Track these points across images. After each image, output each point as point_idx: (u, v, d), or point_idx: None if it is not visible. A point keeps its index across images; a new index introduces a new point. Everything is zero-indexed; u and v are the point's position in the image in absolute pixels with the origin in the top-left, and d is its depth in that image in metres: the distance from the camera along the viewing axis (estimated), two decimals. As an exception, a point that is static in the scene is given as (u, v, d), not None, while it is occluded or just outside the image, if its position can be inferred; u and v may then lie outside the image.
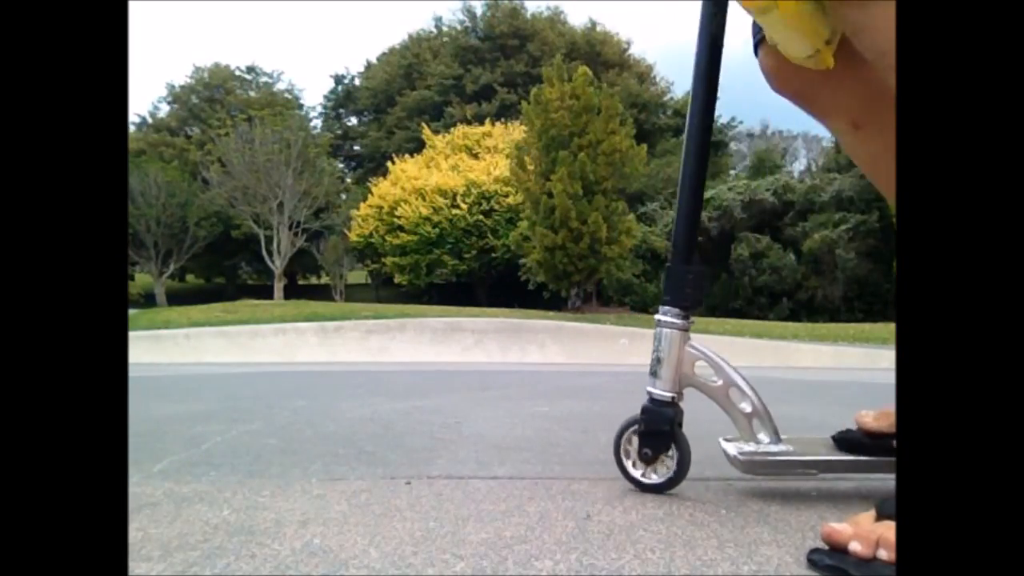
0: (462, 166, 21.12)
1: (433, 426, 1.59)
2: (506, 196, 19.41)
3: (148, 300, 22.99)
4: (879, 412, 0.93)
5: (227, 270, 30.86)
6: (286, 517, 0.82)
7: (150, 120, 33.27)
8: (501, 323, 10.85)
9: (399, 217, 20.39)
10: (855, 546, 0.65)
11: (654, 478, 0.94)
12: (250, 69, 33.25)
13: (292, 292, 24.63)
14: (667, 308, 0.92)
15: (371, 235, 21.26)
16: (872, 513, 0.69)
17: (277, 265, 21.67)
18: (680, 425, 0.93)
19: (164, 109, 33.56)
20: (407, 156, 23.64)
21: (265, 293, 22.25)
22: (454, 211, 19.99)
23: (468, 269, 20.48)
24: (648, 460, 0.94)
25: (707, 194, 19.15)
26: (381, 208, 21.13)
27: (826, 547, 0.68)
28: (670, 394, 0.92)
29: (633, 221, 13.67)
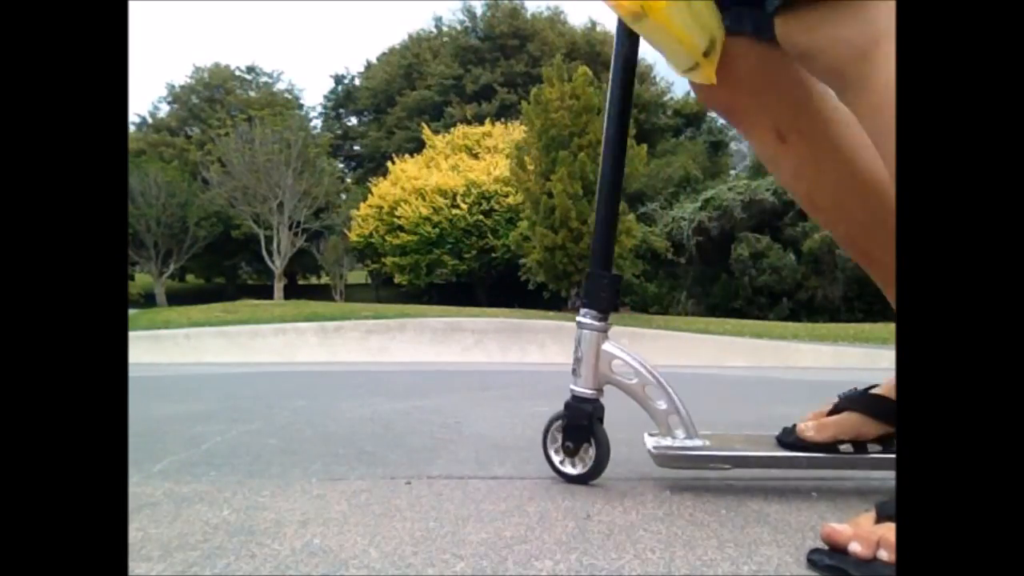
0: (462, 166, 21.13)
1: (433, 426, 1.59)
2: (506, 196, 19.41)
3: (148, 300, 22.99)
4: (818, 423, 0.95)
5: (227, 270, 30.87)
6: (286, 517, 0.83)
7: (150, 120, 33.28)
8: (501, 323, 10.85)
9: (399, 217, 20.39)
10: (855, 547, 0.65)
11: (577, 469, 1.00)
12: (250, 69, 33.27)
13: (292, 292, 24.64)
14: (586, 311, 0.98)
15: (371, 235, 21.27)
16: (872, 514, 0.69)
17: (277, 265, 21.67)
18: (600, 420, 0.99)
19: (164, 109, 33.59)
20: (407, 156, 23.64)
21: (265, 293, 22.26)
22: (454, 211, 19.99)
23: (468, 269, 20.49)
24: (570, 452, 1.00)
25: (707, 194, 19.18)
26: (381, 208, 21.14)
27: (826, 547, 0.68)
28: (590, 391, 0.98)
29: (633, 221, 13.68)
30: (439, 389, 2.85)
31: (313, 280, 31.68)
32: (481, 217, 19.90)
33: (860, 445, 0.92)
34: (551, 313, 12.66)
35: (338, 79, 36.12)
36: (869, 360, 8.71)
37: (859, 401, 0.94)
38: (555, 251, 12.48)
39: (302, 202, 21.76)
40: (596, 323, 0.97)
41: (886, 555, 0.63)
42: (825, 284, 16.66)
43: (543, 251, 12.72)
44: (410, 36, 33.92)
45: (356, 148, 34.29)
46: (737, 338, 10.56)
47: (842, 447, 0.92)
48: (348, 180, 31.68)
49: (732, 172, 24.69)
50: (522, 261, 15.01)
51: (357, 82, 35.52)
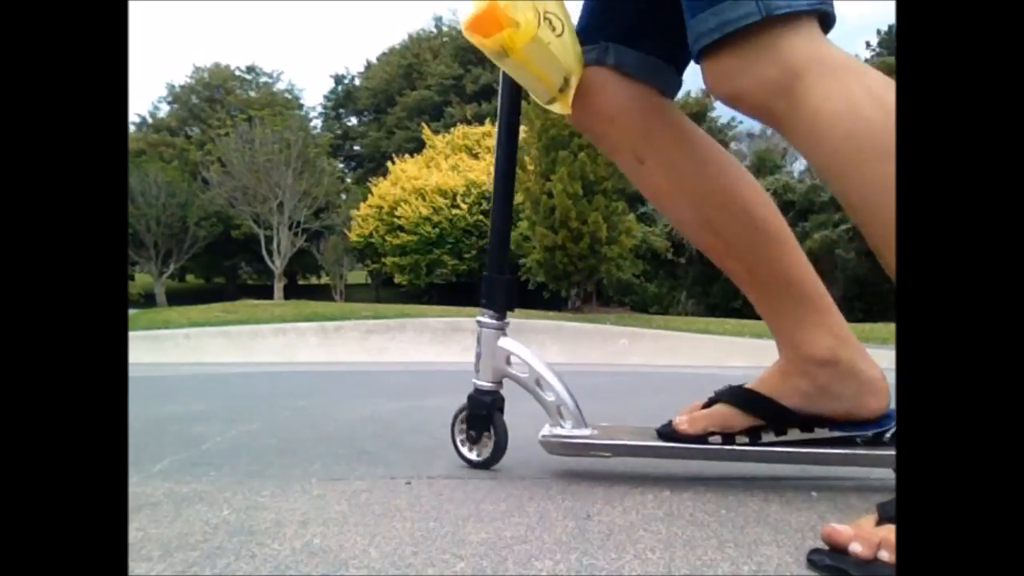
0: (462, 166, 21.12)
1: (433, 426, 1.59)
2: (506, 196, 19.39)
3: (148, 300, 22.99)
4: (691, 417, 1.00)
5: (227, 270, 30.86)
6: (286, 517, 0.82)
7: (150, 120, 33.28)
8: (501, 323, 10.84)
9: (399, 217, 20.38)
10: (856, 547, 0.65)
11: (479, 455, 1.10)
12: (250, 69, 33.26)
13: (292, 292, 24.64)
14: (484, 311, 1.07)
15: (371, 235, 21.26)
16: (874, 516, 0.69)
17: (277, 265, 21.67)
18: (501, 411, 1.08)
19: (164, 109, 33.59)
20: (407, 156, 23.63)
21: (265, 293, 22.25)
22: (454, 211, 19.98)
23: (468, 269, 20.47)
24: (473, 440, 1.10)
25: (707, 194, 19.24)
26: (381, 208, 21.13)
27: (826, 548, 0.68)
28: (489, 384, 1.07)
29: (633, 221, 13.68)
30: (439, 389, 2.85)
31: (313, 280, 31.68)
32: (481, 217, 19.89)
33: (729, 437, 0.96)
34: (551, 313, 12.66)
35: (338, 79, 36.12)
36: (869, 360, 8.68)
37: (729, 394, 0.99)
38: (555, 251, 12.48)
39: (302, 202, 21.75)
40: (493, 322, 1.06)
41: (887, 556, 0.63)
42: (825, 284, 16.67)
43: (543, 251, 12.71)
44: (410, 36, 33.92)
45: (356, 148, 34.28)
46: (737, 338, 10.55)
47: (711, 439, 0.97)
48: (348, 180, 31.67)
49: (732, 172, 24.68)
50: (522, 261, 15.01)
51: (357, 82, 35.50)
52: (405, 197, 20.49)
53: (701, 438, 0.97)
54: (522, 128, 16.58)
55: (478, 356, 1.07)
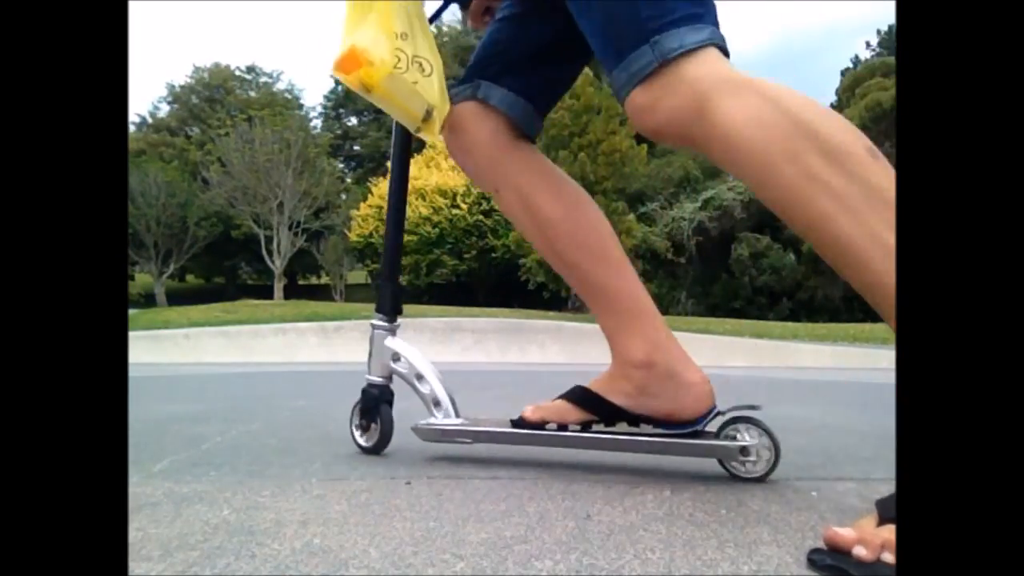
0: (462, 166, 21.11)
1: (433, 426, 1.59)
2: (506, 196, 19.40)
3: (148, 300, 22.99)
4: (535, 407, 1.12)
5: (227, 270, 30.86)
6: (286, 517, 0.83)
7: (150, 120, 33.27)
8: (501, 323, 10.85)
9: (399, 217, 20.35)
10: (860, 551, 0.64)
11: (369, 442, 1.23)
12: (250, 69, 33.25)
13: (292, 292, 24.64)
14: (377, 315, 1.22)
15: (371, 235, 21.25)
16: (875, 516, 0.69)
17: (277, 265, 21.67)
18: (389, 404, 1.21)
19: (164, 109, 33.58)
20: (407, 156, 23.60)
21: (265, 293, 22.26)
22: (454, 211, 19.98)
23: (468, 269, 20.48)
24: (364, 428, 1.24)
25: (707, 194, 19.19)
26: (381, 208, 21.11)
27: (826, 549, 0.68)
28: (378, 379, 1.21)
29: (633, 221, 13.68)
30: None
31: (313, 280, 31.67)
32: (481, 217, 19.90)
33: (563, 428, 1.09)
34: (551, 313, 12.66)
35: (338, 79, 35.96)
36: (869, 360, 8.71)
37: (570, 393, 1.11)
38: (555, 251, 12.48)
39: (302, 202, 21.75)
40: (383, 324, 1.21)
41: (890, 558, 0.63)
42: (825, 284, 16.66)
43: (543, 251, 12.72)
44: (410, 36, 33.89)
45: (356, 148, 34.27)
46: (737, 338, 10.56)
47: (547, 426, 1.09)
48: (348, 180, 31.66)
49: (732, 172, 24.68)
50: (522, 261, 15.00)
51: (357, 82, 35.31)
52: (405, 197, 20.49)
53: (540, 427, 1.10)
54: (522, 128, 16.64)
55: (370, 355, 1.21)
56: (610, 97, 13.68)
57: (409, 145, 1.20)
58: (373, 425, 1.22)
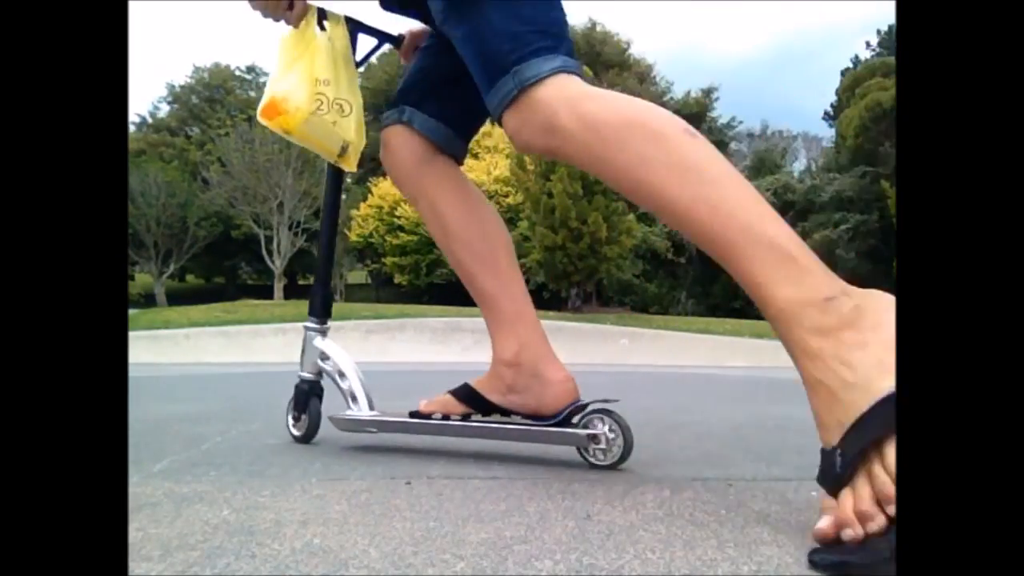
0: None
1: (433, 426, 1.59)
2: (506, 196, 19.39)
3: (148, 300, 22.98)
4: (427, 401, 1.26)
5: (227, 270, 30.84)
6: (286, 517, 0.83)
7: (150, 120, 33.25)
8: (501, 323, 10.83)
9: (399, 217, 20.38)
10: (848, 533, 0.64)
11: (300, 432, 1.36)
12: (250, 69, 33.23)
13: (292, 292, 24.62)
14: (309, 317, 1.36)
15: (371, 235, 21.26)
16: (825, 496, 0.70)
17: (277, 265, 21.67)
18: (319, 397, 1.35)
19: (164, 109, 33.55)
20: (407, 156, 23.59)
21: (265, 293, 22.25)
22: (454, 211, 19.96)
23: (468, 269, 20.46)
24: (296, 420, 1.37)
25: (707, 194, 19.32)
26: (381, 208, 21.13)
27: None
28: (308, 375, 1.35)
29: (633, 221, 13.68)
30: (439, 389, 2.85)
31: (313, 280, 31.66)
32: (481, 217, 19.88)
33: (447, 417, 1.22)
34: (551, 313, 12.66)
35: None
36: (869, 360, 8.67)
37: (455, 388, 1.24)
38: (555, 251, 12.48)
39: (302, 202, 21.74)
40: (314, 326, 1.35)
41: (876, 525, 0.63)
42: (825, 284, 16.66)
43: (543, 251, 12.72)
44: (410, 36, 33.88)
45: (356, 148, 34.26)
46: (737, 338, 10.55)
47: (434, 416, 1.22)
48: (348, 180, 31.67)
49: (732, 172, 24.67)
50: (522, 261, 15.01)
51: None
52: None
53: (429, 417, 1.23)
54: (522, 128, 16.65)
55: (302, 353, 1.35)
56: (610, 97, 13.69)
57: (342, 171, 1.36)
58: (304, 416, 1.36)
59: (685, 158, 0.84)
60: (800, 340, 0.74)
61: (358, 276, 27.71)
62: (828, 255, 16.40)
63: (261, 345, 10.27)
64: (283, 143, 21.50)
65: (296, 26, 1.22)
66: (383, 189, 21.54)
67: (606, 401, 1.11)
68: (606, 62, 29.12)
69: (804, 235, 16.90)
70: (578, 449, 1.13)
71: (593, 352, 9.60)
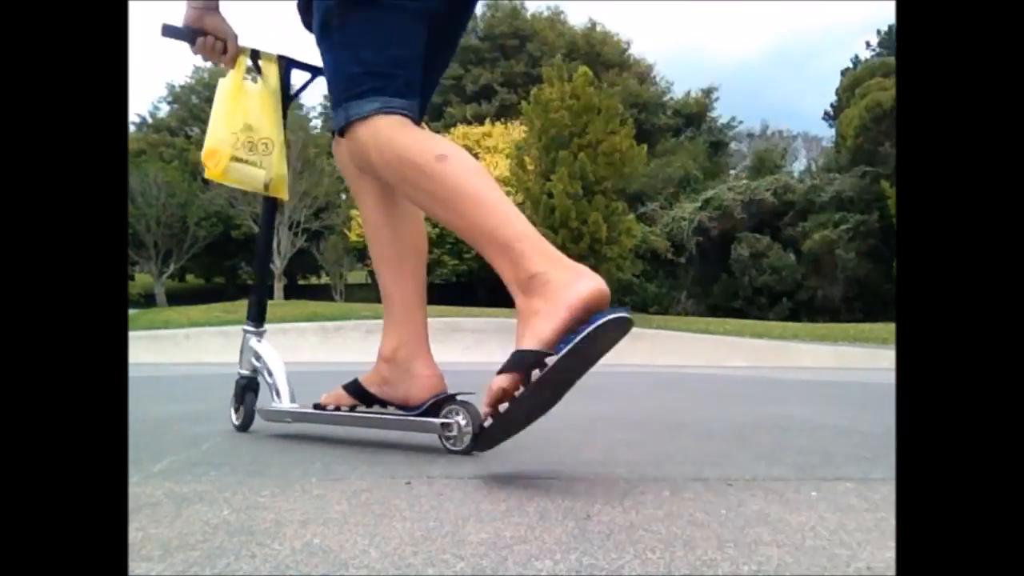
0: (462, 166, 21.09)
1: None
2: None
3: (148, 300, 22.97)
4: (326, 395, 1.39)
5: (227, 270, 30.82)
6: (286, 517, 0.83)
7: (150, 120, 33.26)
8: (501, 323, 10.84)
9: (399, 217, 20.36)
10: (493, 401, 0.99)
11: (239, 422, 1.54)
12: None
13: (292, 292, 24.61)
14: (247, 321, 1.54)
15: (371, 235, 21.23)
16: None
17: (277, 265, 21.66)
18: (254, 392, 1.51)
19: (164, 109, 33.56)
20: (407, 156, 23.57)
21: (265, 293, 22.15)
22: (454, 211, 19.96)
23: (468, 269, 20.48)
24: (235, 410, 1.54)
25: (707, 194, 19.18)
26: (381, 208, 21.10)
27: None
28: (246, 372, 1.52)
29: (633, 221, 13.69)
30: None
31: (313, 280, 31.64)
32: (481, 217, 19.89)
33: (338, 408, 1.36)
34: (551, 313, 12.62)
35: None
36: (869, 360, 8.70)
37: (347, 383, 1.38)
38: (555, 251, 12.47)
39: (302, 202, 21.73)
40: (251, 329, 1.53)
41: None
42: (825, 284, 16.66)
43: (543, 251, 12.70)
44: (410, 36, 33.85)
45: (356, 148, 34.23)
46: (737, 338, 10.55)
47: (328, 407, 1.37)
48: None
49: (732, 172, 24.66)
50: (522, 261, 14.99)
51: (358, 82, 35.25)
52: (405, 197, 20.48)
53: (323, 408, 1.37)
54: (522, 128, 16.53)
55: (240, 353, 1.53)
56: (610, 97, 13.72)
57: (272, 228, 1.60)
58: (241, 408, 1.53)
59: (440, 184, 1.06)
60: (516, 302, 1.02)
61: (358, 276, 27.71)
62: (828, 255, 16.40)
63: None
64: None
65: (231, 67, 1.44)
66: (383, 189, 21.52)
67: (464, 394, 1.25)
68: (606, 62, 29.12)
69: (804, 235, 16.90)
70: (438, 436, 1.24)
71: (593, 352, 9.57)
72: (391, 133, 1.11)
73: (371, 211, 1.37)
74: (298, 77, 1.54)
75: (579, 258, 10.56)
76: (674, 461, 1.21)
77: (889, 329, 11.02)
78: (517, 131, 19.23)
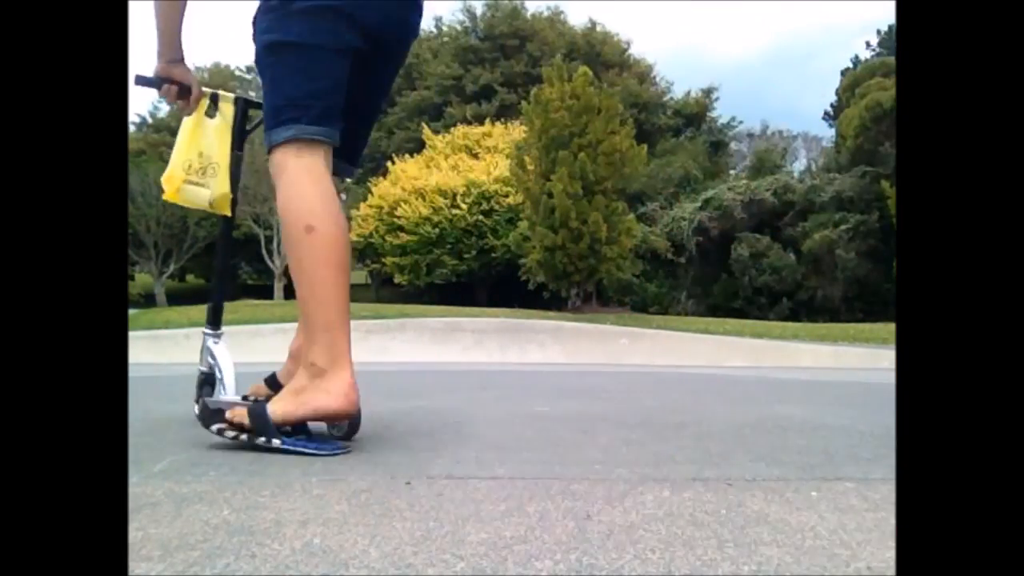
0: (462, 166, 21.10)
1: (433, 426, 1.59)
2: (506, 196, 19.38)
3: (148, 300, 22.95)
4: (254, 385, 1.64)
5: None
6: (286, 517, 0.82)
7: (150, 120, 33.28)
8: (501, 323, 10.83)
9: (399, 217, 20.36)
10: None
11: (196, 411, 1.61)
12: (250, 69, 33.24)
13: (292, 292, 24.51)
14: (206, 325, 1.71)
15: (371, 235, 21.23)
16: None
17: (277, 265, 21.66)
18: (212, 387, 1.64)
19: (164, 109, 33.56)
20: (407, 156, 23.59)
21: (265, 293, 22.24)
22: (454, 211, 19.96)
23: (468, 269, 20.45)
24: (196, 402, 1.66)
25: (707, 194, 19.12)
26: (381, 208, 21.10)
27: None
28: (204, 370, 1.69)
29: (633, 221, 13.67)
30: (439, 389, 2.85)
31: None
32: (481, 217, 19.87)
33: (257, 399, 1.52)
34: (551, 313, 12.64)
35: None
36: (869, 360, 8.70)
37: (267, 376, 1.69)
38: (555, 251, 12.47)
39: (302, 202, 21.68)
40: (210, 332, 1.70)
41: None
42: (825, 284, 16.66)
43: (543, 251, 12.70)
44: (410, 36, 33.82)
45: (356, 148, 34.27)
46: (737, 338, 10.55)
47: (250, 397, 1.60)
48: (348, 180, 31.66)
49: (732, 172, 24.64)
50: (522, 261, 14.99)
51: (357, 82, 35.28)
52: (405, 197, 20.46)
53: (247, 399, 1.55)
54: (522, 128, 16.52)
55: (200, 352, 1.71)
56: (610, 97, 13.70)
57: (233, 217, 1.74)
58: (200, 401, 1.69)
59: (296, 252, 1.28)
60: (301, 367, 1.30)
61: (358, 276, 27.71)
62: (828, 255, 16.40)
63: (261, 345, 10.23)
64: (283, 143, 21.45)
65: (195, 108, 1.60)
66: (383, 189, 21.52)
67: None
68: (606, 62, 29.11)
69: (804, 235, 16.88)
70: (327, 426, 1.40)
71: (593, 352, 9.59)
72: (294, 179, 1.30)
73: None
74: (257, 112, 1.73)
75: (579, 258, 10.48)
76: (674, 461, 1.21)
77: (889, 329, 11.01)
78: (517, 131, 19.22)
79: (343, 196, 1.65)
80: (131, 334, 9.82)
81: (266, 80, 1.34)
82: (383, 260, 21.34)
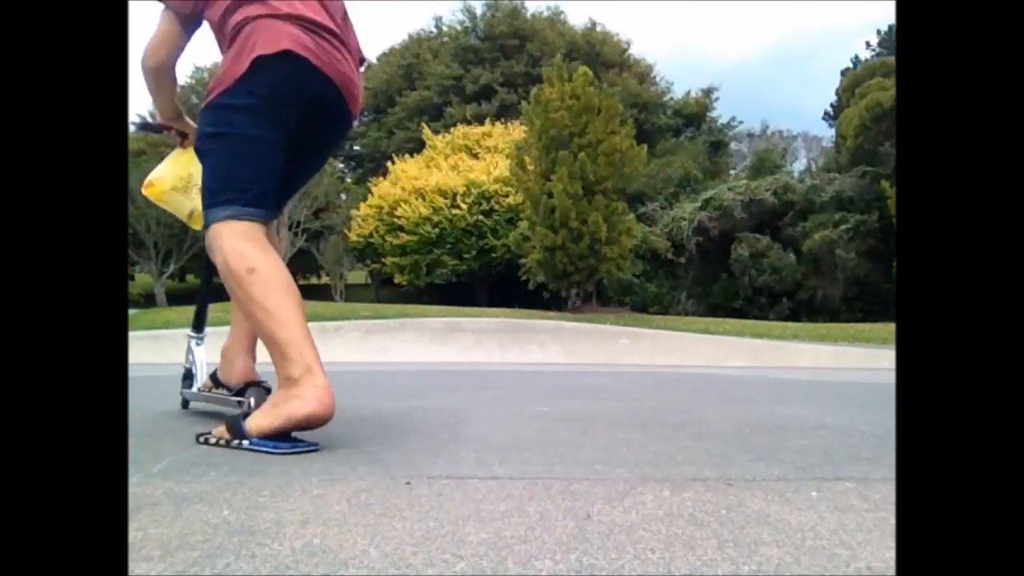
0: (462, 166, 21.10)
1: (433, 426, 1.59)
2: (506, 196, 19.38)
3: (148, 300, 22.95)
4: (205, 380, 1.85)
5: (227, 270, 30.74)
6: (286, 517, 0.82)
7: (150, 120, 33.27)
8: (501, 323, 10.83)
9: (399, 217, 20.36)
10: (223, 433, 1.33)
11: (181, 402, 2.01)
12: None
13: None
14: (191, 328, 2.01)
15: (371, 235, 21.23)
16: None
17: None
18: (191, 380, 1.95)
19: (164, 109, 33.52)
20: (407, 156, 23.58)
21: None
22: (454, 211, 19.96)
23: (468, 269, 20.45)
24: (181, 393, 1.99)
25: (707, 194, 19.09)
26: (381, 208, 21.10)
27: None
28: (185, 366, 1.98)
29: (633, 221, 13.67)
30: (439, 389, 2.85)
31: (313, 280, 31.64)
32: (481, 217, 19.87)
33: (207, 391, 1.85)
34: (551, 313, 12.64)
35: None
36: (869, 360, 8.70)
37: (211, 371, 1.85)
38: (555, 251, 12.47)
39: (302, 202, 21.71)
40: (194, 335, 1.99)
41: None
42: (825, 284, 16.65)
43: (543, 251, 12.71)
44: (410, 36, 33.82)
45: (356, 148, 34.28)
46: (737, 338, 10.54)
47: (201, 390, 1.89)
48: (348, 180, 31.63)
49: (732, 172, 24.64)
50: (522, 261, 14.99)
51: (357, 82, 35.30)
52: (405, 197, 20.46)
53: (200, 391, 1.86)
54: (522, 128, 16.52)
55: (186, 352, 1.99)
56: (610, 97, 13.71)
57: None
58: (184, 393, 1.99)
59: (245, 292, 1.36)
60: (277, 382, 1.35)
61: (358, 276, 27.70)
62: (828, 255, 16.40)
63: (261, 345, 10.24)
64: (283, 143, 21.43)
65: (190, 145, 1.74)
66: (383, 189, 21.52)
67: (265, 383, 1.67)
68: (606, 62, 29.11)
69: (804, 235, 16.88)
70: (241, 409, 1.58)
71: (593, 352, 9.58)
72: (228, 243, 1.39)
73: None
74: None
75: (579, 258, 10.47)
76: (674, 461, 1.21)
77: (889, 329, 11.01)
78: (517, 131, 19.21)
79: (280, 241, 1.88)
80: (131, 334, 9.82)
81: (204, 167, 1.48)
82: (383, 260, 21.34)
